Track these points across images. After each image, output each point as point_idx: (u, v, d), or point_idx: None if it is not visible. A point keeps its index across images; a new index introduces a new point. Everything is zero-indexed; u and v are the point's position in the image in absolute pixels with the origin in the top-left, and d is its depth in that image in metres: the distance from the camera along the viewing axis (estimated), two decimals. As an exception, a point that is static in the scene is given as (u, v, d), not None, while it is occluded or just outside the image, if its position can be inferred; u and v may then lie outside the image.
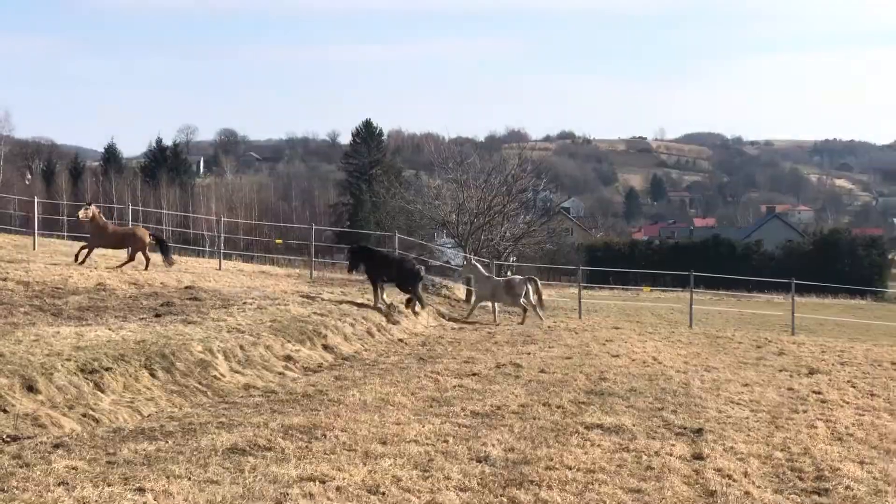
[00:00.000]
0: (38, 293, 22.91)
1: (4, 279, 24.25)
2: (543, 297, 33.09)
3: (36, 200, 38.74)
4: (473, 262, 34.27)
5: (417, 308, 28.96)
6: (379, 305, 27.49)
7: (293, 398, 15.65)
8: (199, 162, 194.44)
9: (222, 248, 39.54)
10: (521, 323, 30.92)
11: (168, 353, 17.01)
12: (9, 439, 11.70)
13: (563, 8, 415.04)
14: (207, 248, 69.91)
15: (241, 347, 19.00)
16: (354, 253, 29.73)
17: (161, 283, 26.82)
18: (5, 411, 12.95)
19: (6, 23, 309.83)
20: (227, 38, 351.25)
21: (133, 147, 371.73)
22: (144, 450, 11.12)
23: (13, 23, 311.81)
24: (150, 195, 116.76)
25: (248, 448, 11.40)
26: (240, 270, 35.19)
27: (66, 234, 60.85)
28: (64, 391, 14.20)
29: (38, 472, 9.91)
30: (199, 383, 16.61)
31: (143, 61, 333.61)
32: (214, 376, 17.15)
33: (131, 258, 30.25)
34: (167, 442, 11.64)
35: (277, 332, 21.00)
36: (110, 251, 32.61)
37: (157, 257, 31.84)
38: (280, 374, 18.58)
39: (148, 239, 30.79)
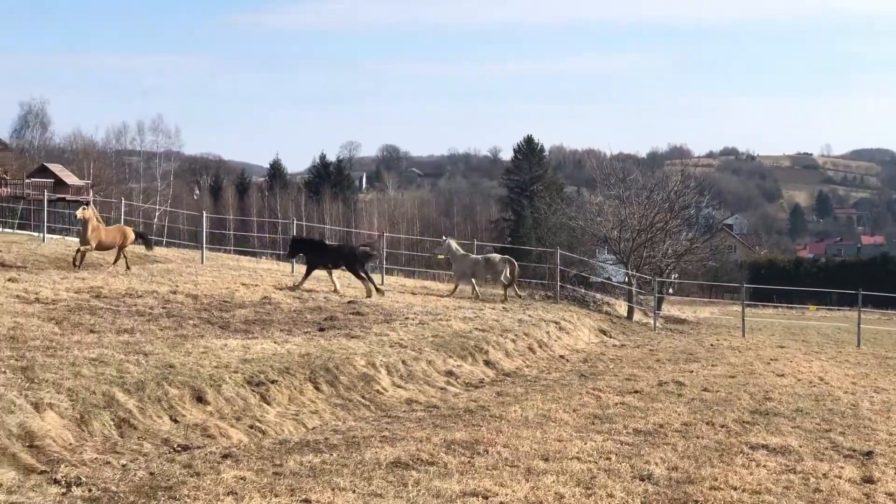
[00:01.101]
0: (206, 306, 23.41)
1: (174, 292, 24.85)
2: (516, 279, 35.18)
3: (204, 215, 39.68)
4: (449, 241, 35.15)
5: (371, 287, 29.66)
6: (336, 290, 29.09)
7: (455, 413, 15.70)
8: (361, 178, 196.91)
9: (384, 263, 39.90)
10: (504, 301, 32.87)
11: (332, 366, 17.22)
12: (179, 448, 11.97)
13: (723, 21, 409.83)
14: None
15: (404, 362, 19.14)
16: (294, 242, 31.51)
17: (324, 298, 27.17)
18: (176, 421, 13.26)
19: (176, 43, 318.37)
20: (389, 55, 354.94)
21: (297, 163, 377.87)
22: (310, 462, 11.26)
23: (183, 43, 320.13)
24: (314, 210, 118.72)
25: (411, 462, 11.46)
26: (402, 285, 35.48)
27: (232, 248, 62.13)
28: (232, 403, 14.48)
29: (208, 482, 10.10)
30: (363, 397, 16.78)
31: (307, 78, 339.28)
32: (377, 390, 17.31)
33: (121, 256, 30.54)
34: (332, 454, 11.77)
35: (439, 348, 21.11)
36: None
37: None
38: (442, 389, 18.66)
39: (132, 237, 31.32)
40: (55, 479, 9.99)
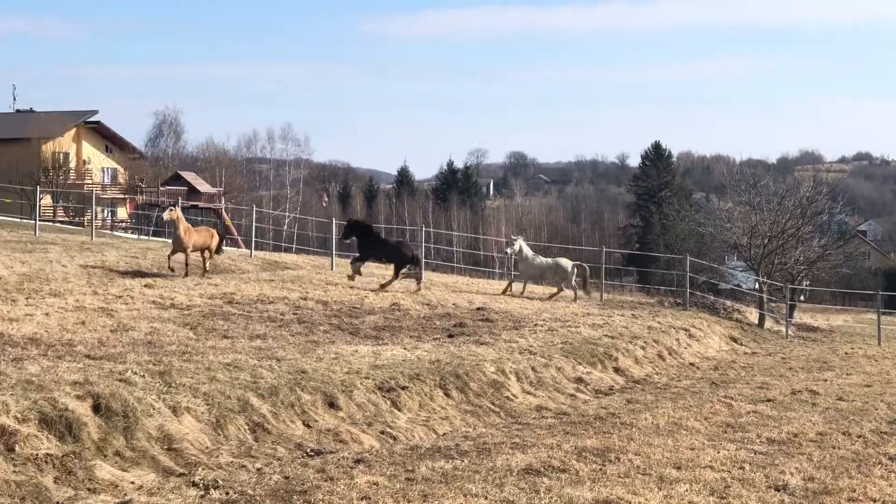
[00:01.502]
0: (336, 312, 23.65)
1: (305, 298, 25.15)
2: (588, 282, 35.52)
3: (334, 222, 40.04)
4: (520, 241, 34.85)
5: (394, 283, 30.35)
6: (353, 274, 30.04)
7: (585, 420, 15.64)
8: (488, 184, 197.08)
9: (514, 270, 39.88)
10: (574, 300, 33.36)
11: (462, 373, 17.27)
12: (312, 453, 12.11)
13: (856, 22, 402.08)
14: (497, 270, 70.78)
15: (533, 369, 19.13)
16: (350, 225, 32.53)
17: (453, 304, 27.27)
18: (309, 426, 13.43)
19: (307, 52, 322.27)
20: (515, 62, 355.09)
21: (425, 170, 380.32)
22: (441, 468, 11.30)
23: (314, 51, 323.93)
24: (441, 217, 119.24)
25: (542, 469, 11.44)
26: (530, 292, 35.45)
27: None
28: (363, 408, 14.61)
29: (342, 487, 10.20)
30: (492, 403, 16.81)
31: (434, 86, 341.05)
32: (507, 397, 17.33)
33: (210, 257, 29.87)
34: (463, 461, 11.80)
35: (568, 355, 21.06)
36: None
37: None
38: (571, 396, 18.62)
39: (217, 238, 30.45)
40: (193, 481, 10.18)
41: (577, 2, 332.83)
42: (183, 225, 28.41)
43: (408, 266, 30.80)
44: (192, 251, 28.67)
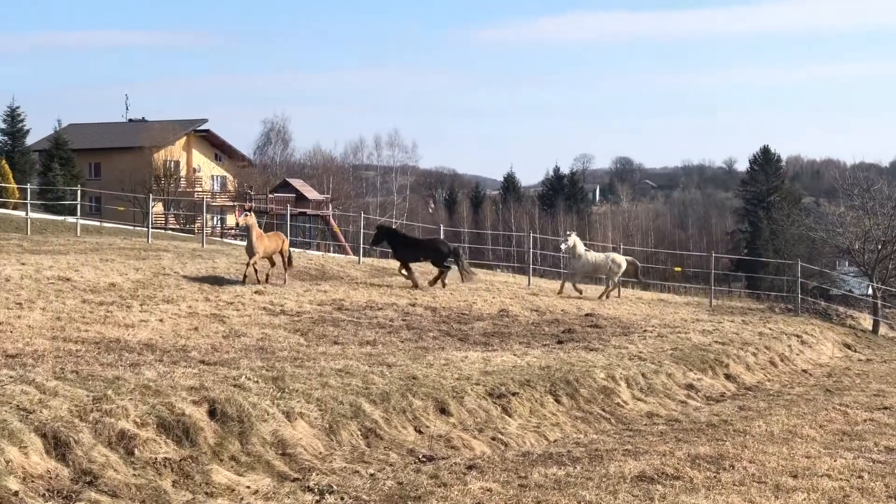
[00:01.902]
0: (445, 318, 23.72)
1: (413, 304, 25.26)
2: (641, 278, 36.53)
3: (441, 228, 40.21)
4: (575, 237, 34.01)
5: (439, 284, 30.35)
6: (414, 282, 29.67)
7: (697, 427, 15.50)
8: (594, 190, 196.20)
9: (620, 275, 39.61)
10: (606, 297, 32.80)
11: (571, 379, 17.22)
12: (425, 459, 12.15)
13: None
14: (604, 276, 70.36)
15: (643, 375, 19.00)
16: (380, 232, 32.78)
17: (562, 311, 27.20)
18: (420, 432, 13.47)
19: (415, 59, 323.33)
20: (620, 67, 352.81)
21: (531, 176, 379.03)
22: (554, 474, 11.26)
23: (420, 58, 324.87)
24: (548, 223, 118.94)
25: (655, 476, 11.34)
26: (638, 298, 35.20)
27: (468, 260, 62.59)
28: (474, 414, 14.62)
29: (455, 493, 10.21)
30: (603, 410, 16.73)
31: (540, 92, 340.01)
32: (617, 403, 17.24)
33: (289, 263, 28.79)
34: (575, 467, 11.75)
35: (678, 361, 20.88)
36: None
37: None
38: (682, 402, 18.46)
39: (288, 243, 29.29)
40: (308, 486, 10.27)
41: (680, 5, 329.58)
42: (256, 231, 27.48)
43: (448, 260, 30.97)
44: (261, 257, 27.64)
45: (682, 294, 48.14)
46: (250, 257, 27.46)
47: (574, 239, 33.58)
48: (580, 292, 32.79)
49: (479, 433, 13.93)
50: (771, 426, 15.50)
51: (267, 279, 27.61)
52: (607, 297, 32.85)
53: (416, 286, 29.30)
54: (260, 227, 28.50)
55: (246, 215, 27.56)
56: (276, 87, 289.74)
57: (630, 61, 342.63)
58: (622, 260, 33.79)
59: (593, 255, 34.11)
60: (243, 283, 26.47)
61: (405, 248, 31.14)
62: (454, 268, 31.42)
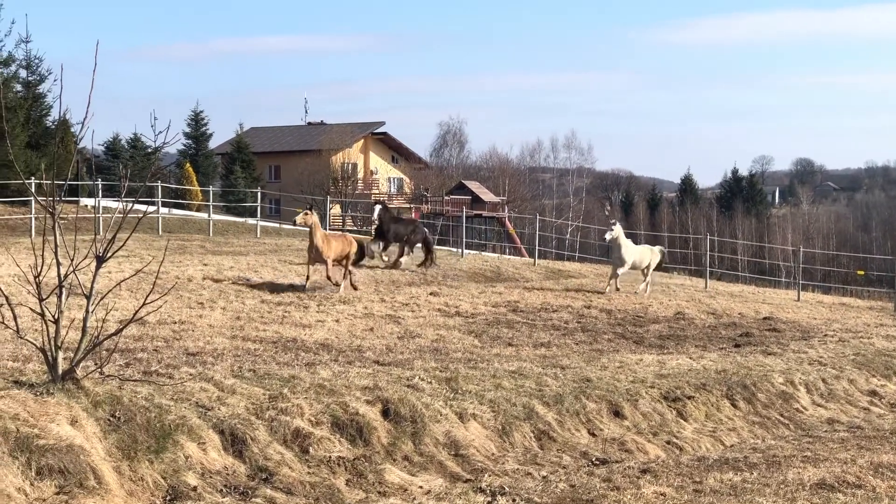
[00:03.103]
0: (619, 321, 23.54)
1: (588, 307, 25.14)
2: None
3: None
4: (619, 227, 30.72)
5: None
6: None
7: (881, 435, 15.04)
8: (774, 192, 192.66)
9: (800, 279, 38.81)
10: (646, 291, 30.07)
11: (749, 383, 16.92)
12: (598, 462, 12.05)
13: None
14: (783, 279, 69.10)
15: (823, 380, 18.56)
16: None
17: (739, 314, 26.75)
18: (594, 435, 13.38)
19: (591, 61, 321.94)
20: (801, 68, 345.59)
21: (708, 177, 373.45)
22: (730, 480, 11.04)
23: (597, 61, 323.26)
24: (726, 225, 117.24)
25: (836, 484, 11.02)
26: (819, 302, 34.42)
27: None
28: (648, 418, 14.47)
29: (628, 497, 10.08)
30: (781, 415, 16.39)
31: (716, 93, 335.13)
32: (796, 409, 16.88)
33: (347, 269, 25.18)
34: (752, 473, 11.49)
35: (861, 367, 20.34)
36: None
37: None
38: (864, 409, 17.98)
39: (356, 248, 25.76)
40: (480, 487, 10.26)
41: (865, 2, 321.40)
42: (320, 232, 24.51)
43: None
44: (332, 261, 24.48)
45: (864, 298, 46.82)
46: (318, 261, 24.46)
47: (619, 229, 30.52)
48: (617, 289, 29.98)
49: (653, 437, 13.77)
50: (959, 435, 14.97)
51: (352, 285, 24.92)
52: (648, 290, 30.42)
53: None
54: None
55: (306, 213, 24.41)
56: (451, 89, 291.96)
57: (811, 61, 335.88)
58: (658, 250, 31.63)
59: (636, 247, 31.42)
60: (304, 288, 23.93)
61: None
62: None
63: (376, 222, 31.38)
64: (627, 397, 14.72)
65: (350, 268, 25.19)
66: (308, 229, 24.57)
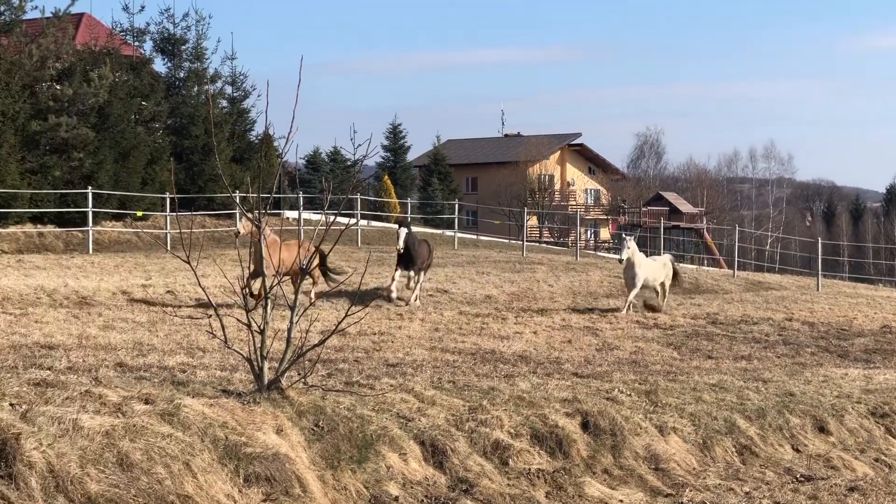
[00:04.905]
0: (823, 334, 22.99)
1: (790, 319, 24.63)
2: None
3: (819, 242, 39.02)
4: (633, 242, 26.15)
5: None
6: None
7: None
8: None
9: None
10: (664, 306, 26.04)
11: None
12: (802, 479, 11.78)
13: None
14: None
15: None
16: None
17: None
18: (798, 451, 13.08)
19: (793, 70, 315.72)
20: None
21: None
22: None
23: (799, 69, 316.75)
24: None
25: None
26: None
27: (847, 275, 60.73)
28: (854, 434, 14.08)
29: (835, 515, 9.87)
30: None
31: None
32: None
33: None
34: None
35: None
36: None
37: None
38: None
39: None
40: (681, 502, 10.15)
41: None
42: (270, 238, 20.24)
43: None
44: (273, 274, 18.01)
45: None
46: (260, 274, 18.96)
47: (633, 246, 25.97)
48: (636, 309, 26.02)
49: (860, 454, 13.39)
50: None
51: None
52: (664, 306, 26.74)
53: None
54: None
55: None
56: (648, 99, 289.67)
57: None
58: (668, 260, 27.93)
59: (650, 264, 26.98)
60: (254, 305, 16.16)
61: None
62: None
63: (401, 249, 24.77)
64: (832, 412, 14.35)
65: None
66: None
